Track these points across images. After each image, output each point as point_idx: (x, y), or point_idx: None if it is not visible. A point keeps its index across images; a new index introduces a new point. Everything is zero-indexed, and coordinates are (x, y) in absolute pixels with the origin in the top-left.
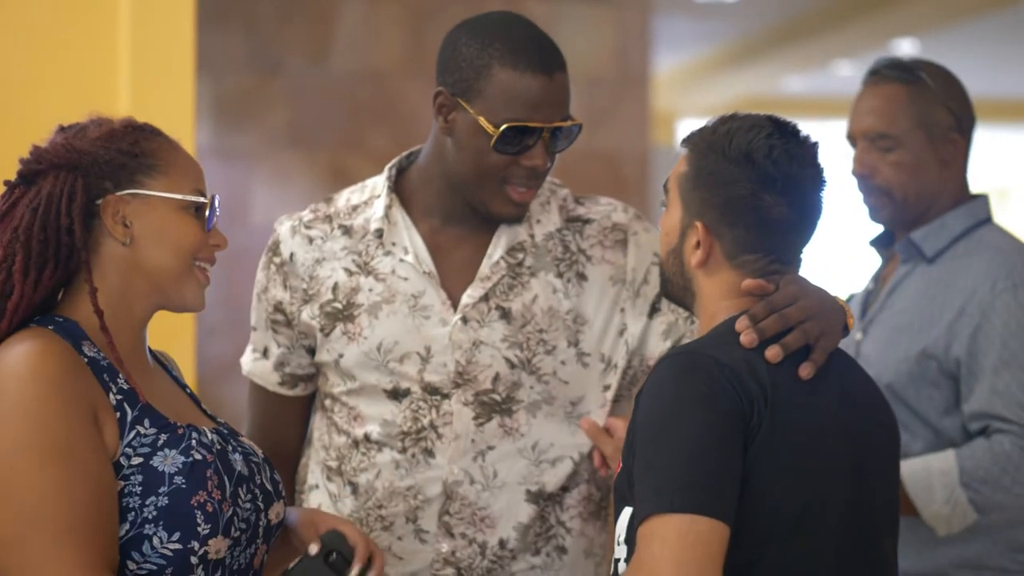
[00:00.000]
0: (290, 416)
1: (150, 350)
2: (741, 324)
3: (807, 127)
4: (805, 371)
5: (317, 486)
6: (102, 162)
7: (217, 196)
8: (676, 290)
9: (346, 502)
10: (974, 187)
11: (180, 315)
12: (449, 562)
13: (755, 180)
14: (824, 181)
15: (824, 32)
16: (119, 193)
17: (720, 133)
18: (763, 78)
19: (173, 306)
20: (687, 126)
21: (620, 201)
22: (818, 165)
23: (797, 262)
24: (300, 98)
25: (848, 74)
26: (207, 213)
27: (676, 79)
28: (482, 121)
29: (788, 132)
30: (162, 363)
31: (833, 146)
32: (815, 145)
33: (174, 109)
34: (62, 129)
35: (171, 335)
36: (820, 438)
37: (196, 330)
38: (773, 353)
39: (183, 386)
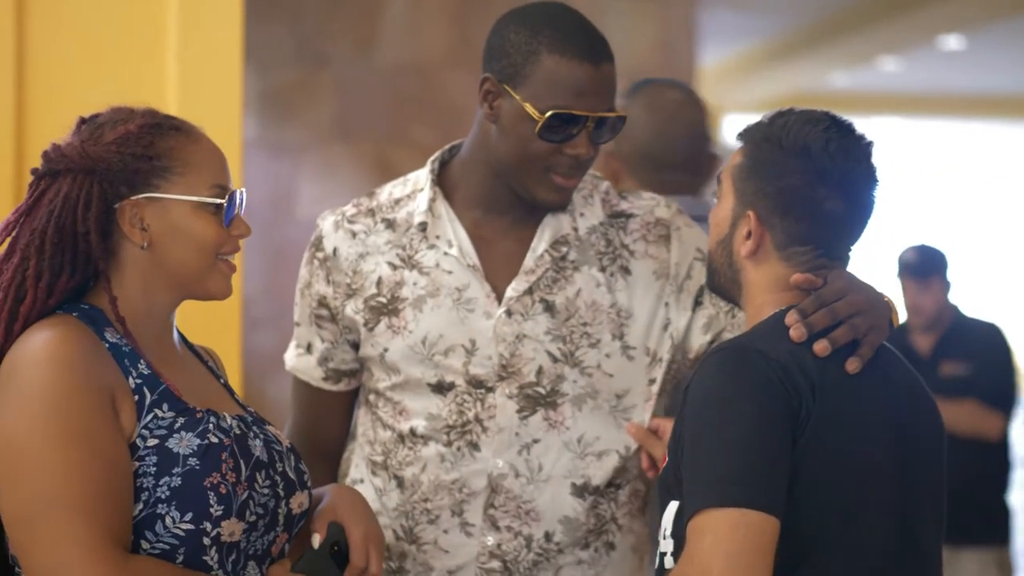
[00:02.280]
0: (334, 411)
1: (187, 342)
2: (791, 318)
3: (853, 123)
4: (852, 365)
5: (362, 480)
6: (116, 169)
7: (239, 191)
8: (723, 281)
9: (392, 496)
10: (1017, 183)
11: (226, 310)
12: (495, 555)
13: (811, 172)
14: (877, 180)
15: (870, 28)
16: (135, 197)
17: (777, 125)
18: (808, 74)
19: (198, 297)
20: (732, 121)
21: (661, 198)
22: (872, 164)
23: (846, 258)
24: (346, 91)
25: (894, 70)
26: (226, 210)
27: (721, 74)
28: (528, 107)
29: (845, 128)
30: (198, 354)
31: (879, 141)
32: (870, 144)
33: (222, 103)
34: (82, 123)
35: (217, 329)
36: (866, 432)
37: (242, 323)
38: (821, 347)
39: (218, 376)
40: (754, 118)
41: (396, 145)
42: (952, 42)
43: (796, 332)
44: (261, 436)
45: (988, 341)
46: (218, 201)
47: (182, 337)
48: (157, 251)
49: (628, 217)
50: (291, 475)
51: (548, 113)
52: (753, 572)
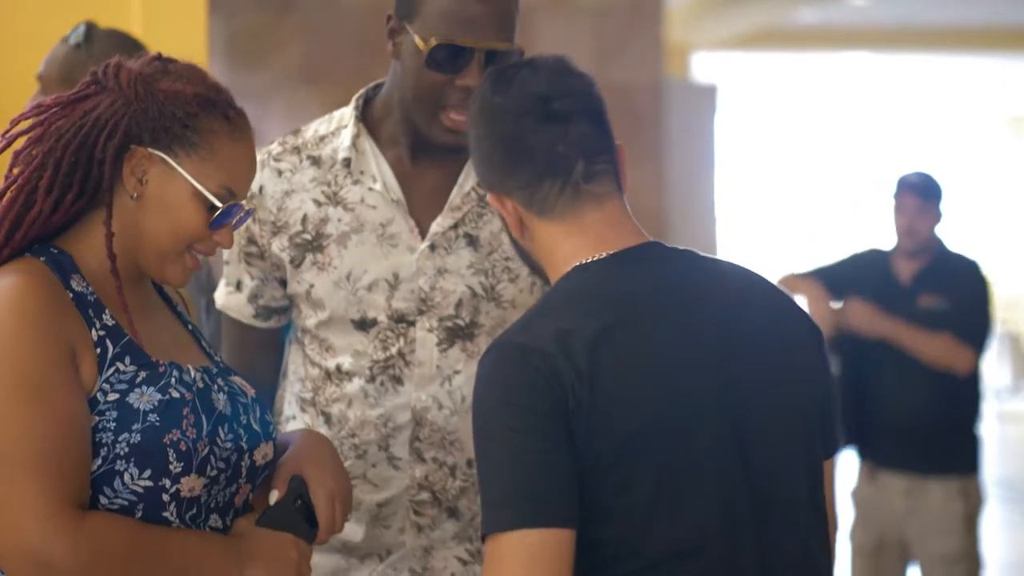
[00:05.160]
0: (264, 349)
1: (156, 286)
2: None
3: (821, 59)
4: None
5: (294, 417)
6: (153, 115)
7: (244, 210)
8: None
9: (321, 432)
10: (988, 116)
11: None
12: (423, 486)
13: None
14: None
15: None
16: (150, 149)
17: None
18: (777, 9)
19: (152, 276)
20: (701, 59)
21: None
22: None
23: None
24: (312, 35)
25: (862, 5)
26: (217, 214)
27: (689, 12)
28: (417, 40)
29: (503, 71)
30: (168, 298)
31: (848, 77)
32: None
33: (187, 49)
34: (156, 58)
35: None
36: (665, 400)
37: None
38: None
39: (186, 323)
40: (723, 55)
41: (363, 88)
42: None
43: None
44: (226, 388)
45: (968, 277)
46: (216, 203)
47: (153, 283)
48: (141, 210)
49: None
50: (255, 426)
51: (432, 43)
52: None
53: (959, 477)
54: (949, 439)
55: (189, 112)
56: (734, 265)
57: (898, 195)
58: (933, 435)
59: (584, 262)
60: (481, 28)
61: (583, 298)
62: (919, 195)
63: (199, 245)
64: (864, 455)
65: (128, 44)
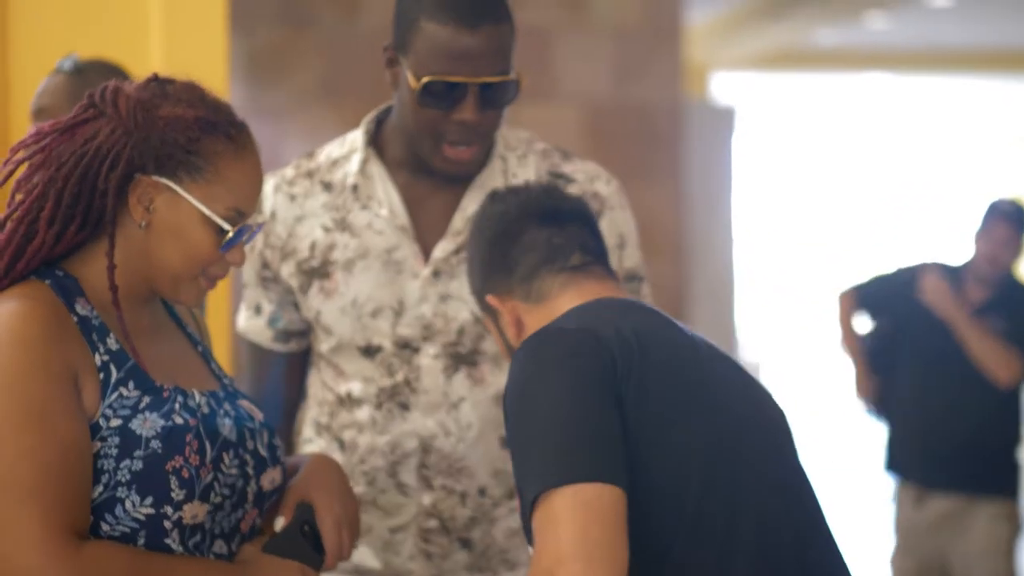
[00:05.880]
0: (285, 373)
1: (168, 307)
2: None
3: (840, 80)
4: None
5: (310, 441)
6: (155, 143)
7: (255, 227)
8: None
9: (335, 458)
10: (1007, 137)
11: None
12: (432, 514)
13: (502, 229)
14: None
15: None
16: (155, 177)
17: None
18: (795, 31)
19: (166, 298)
20: (720, 79)
21: (605, 171)
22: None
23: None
24: (332, 53)
25: (881, 27)
26: (229, 236)
27: (708, 32)
28: (409, 75)
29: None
30: (179, 318)
31: (867, 99)
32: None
33: (207, 66)
34: (153, 80)
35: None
36: (708, 376)
37: (231, 295)
38: None
39: (196, 343)
40: (742, 75)
41: (375, 110)
42: None
43: None
44: (232, 413)
45: None
46: (226, 227)
47: (163, 302)
48: (150, 237)
49: (569, 181)
50: (262, 452)
51: (423, 80)
52: (602, 546)
53: (1004, 500)
54: (997, 461)
55: (191, 137)
56: None
57: (987, 221)
58: (983, 457)
59: (602, 297)
60: (473, 61)
61: (615, 308)
62: (1011, 225)
63: (212, 268)
64: (909, 478)
65: (118, 73)
